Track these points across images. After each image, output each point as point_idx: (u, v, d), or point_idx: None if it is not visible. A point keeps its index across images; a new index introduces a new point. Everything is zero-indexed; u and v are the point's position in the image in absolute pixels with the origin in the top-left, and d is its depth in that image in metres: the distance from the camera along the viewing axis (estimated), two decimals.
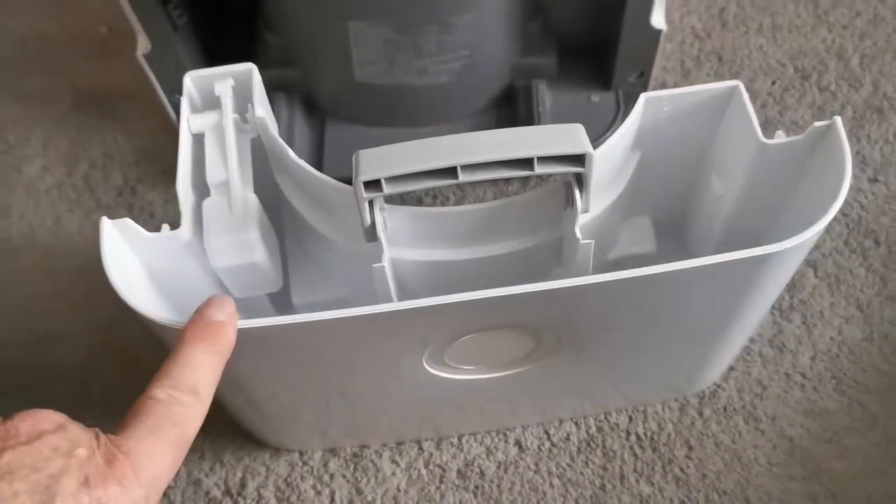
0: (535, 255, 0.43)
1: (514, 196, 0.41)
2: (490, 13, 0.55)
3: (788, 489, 0.52)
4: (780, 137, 0.41)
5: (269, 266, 0.40)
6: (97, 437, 0.28)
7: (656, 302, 0.40)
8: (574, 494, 0.52)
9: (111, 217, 0.37)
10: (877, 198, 0.62)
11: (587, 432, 0.54)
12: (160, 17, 0.54)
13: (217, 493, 0.53)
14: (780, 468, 0.52)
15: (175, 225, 0.39)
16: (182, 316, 0.34)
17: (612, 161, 0.42)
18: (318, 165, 0.57)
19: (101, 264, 0.35)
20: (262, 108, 0.41)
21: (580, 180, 0.37)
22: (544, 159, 0.35)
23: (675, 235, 0.52)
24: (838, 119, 0.39)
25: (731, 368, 0.56)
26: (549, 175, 0.37)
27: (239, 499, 0.52)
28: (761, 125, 0.41)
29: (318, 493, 0.53)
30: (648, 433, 0.54)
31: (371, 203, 0.37)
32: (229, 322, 0.34)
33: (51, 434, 0.28)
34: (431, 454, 0.54)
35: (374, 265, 0.40)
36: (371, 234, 0.38)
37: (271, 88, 0.44)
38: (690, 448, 0.53)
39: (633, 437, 0.54)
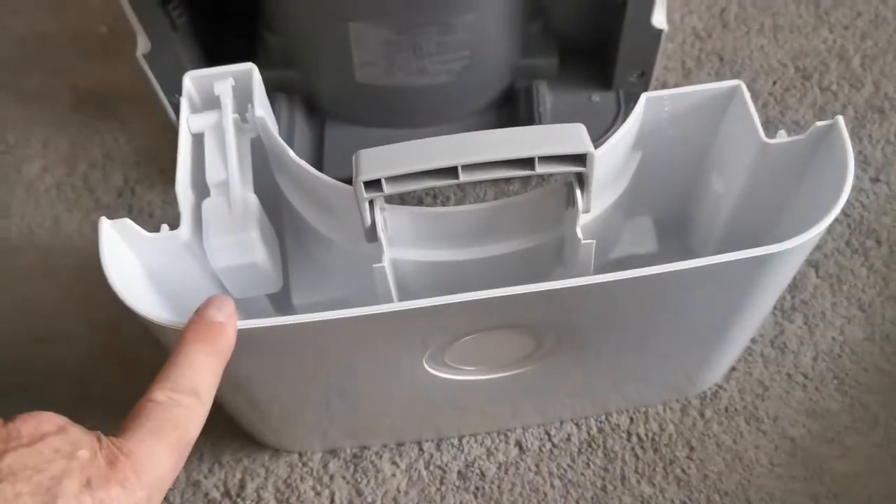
0: (537, 255, 0.43)
1: (514, 196, 0.41)
2: (490, 13, 0.55)
3: (790, 490, 0.51)
4: (782, 137, 0.41)
5: (268, 266, 0.40)
6: (99, 440, 0.28)
7: (658, 302, 0.40)
8: (575, 495, 0.52)
9: (110, 217, 0.37)
10: (878, 198, 0.62)
11: (588, 433, 0.54)
12: (160, 18, 0.54)
13: (216, 494, 0.53)
14: (782, 469, 0.52)
15: (175, 225, 0.39)
16: (182, 316, 0.34)
17: (613, 161, 0.42)
18: (318, 166, 0.56)
19: (101, 264, 0.35)
20: (262, 108, 0.41)
21: (581, 180, 0.37)
22: (545, 159, 0.35)
23: (676, 235, 0.52)
24: (840, 118, 0.39)
25: (733, 369, 0.56)
26: (550, 175, 0.37)
27: (238, 500, 0.52)
28: (762, 125, 0.41)
29: (318, 494, 0.52)
30: (650, 434, 0.54)
31: (371, 203, 0.37)
32: (229, 323, 0.34)
33: (53, 436, 0.28)
34: (432, 455, 0.54)
35: (374, 265, 0.39)
36: (371, 234, 0.38)
37: (271, 89, 0.44)
38: (692, 449, 0.53)
39: (634, 438, 0.54)
